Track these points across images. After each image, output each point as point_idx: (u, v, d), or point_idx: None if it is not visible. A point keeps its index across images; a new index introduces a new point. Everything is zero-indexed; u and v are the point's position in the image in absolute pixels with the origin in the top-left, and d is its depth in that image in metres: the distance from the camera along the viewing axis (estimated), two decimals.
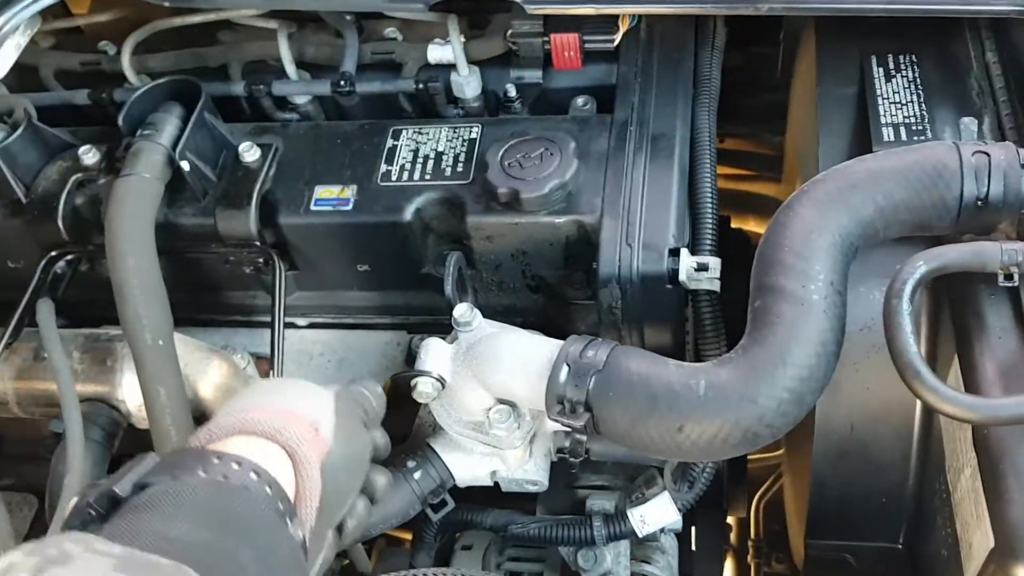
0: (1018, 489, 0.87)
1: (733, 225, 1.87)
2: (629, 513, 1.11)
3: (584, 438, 1.02)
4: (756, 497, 2.04)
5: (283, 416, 0.77)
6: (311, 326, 1.32)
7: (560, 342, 1.00)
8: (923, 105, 1.14)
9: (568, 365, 0.97)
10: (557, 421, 0.95)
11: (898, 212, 0.98)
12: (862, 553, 1.21)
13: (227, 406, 0.82)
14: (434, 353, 1.05)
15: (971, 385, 0.97)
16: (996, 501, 0.89)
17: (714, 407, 0.91)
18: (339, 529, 0.85)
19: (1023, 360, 0.95)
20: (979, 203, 0.96)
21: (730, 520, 2.07)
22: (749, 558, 2.01)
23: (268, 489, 0.70)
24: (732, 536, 2.09)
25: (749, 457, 1.99)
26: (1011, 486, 0.88)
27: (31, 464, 1.36)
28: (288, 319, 1.30)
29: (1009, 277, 0.90)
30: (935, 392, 0.85)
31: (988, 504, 0.90)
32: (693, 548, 1.34)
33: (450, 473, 1.08)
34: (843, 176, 1.00)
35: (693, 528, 1.36)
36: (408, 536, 1.37)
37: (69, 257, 1.25)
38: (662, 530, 1.17)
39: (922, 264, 0.90)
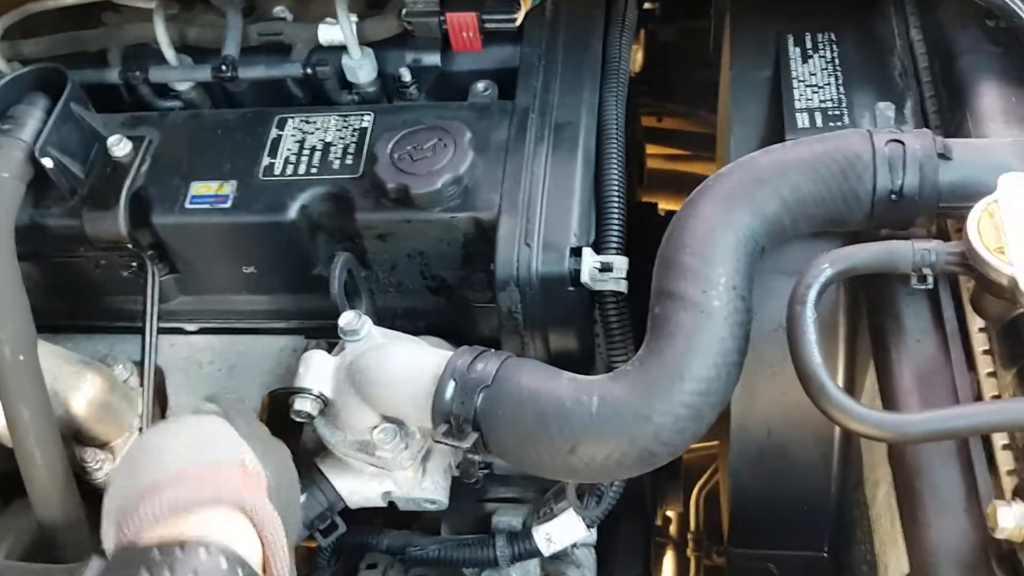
0: (935, 511, 0.81)
1: (671, 207, 1.79)
2: (534, 531, 1.04)
3: (477, 458, 0.95)
4: (696, 488, 1.99)
5: (205, 474, 0.70)
6: (201, 331, 1.23)
7: (449, 354, 0.92)
8: (841, 88, 1.07)
9: (455, 380, 0.89)
10: (442, 442, 0.87)
11: (807, 207, 0.91)
12: (786, 562, 1.15)
13: (126, 474, 0.74)
14: (315, 368, 0.96)
15: (888, 393, 0.90)
16: (912, 523, 0.83)
17: (607, 426, 0.83)
18: None
19: (942, 367, 0.88)
20: (893, 196, 0.89)
21: (670, 513, 2.02)
22: (688, 551, 1.96)
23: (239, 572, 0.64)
24: (672, 529, 2.04)
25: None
26: (928, 507, 0.82)
27: None
28: (176, 324, 1.22)
29: (923, 279, 0.84)
30: (841, 408, 0.78)
31: (903, 526, 0.84)
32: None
33: (339, 496, 1.00)
34: (748, 169, 0.93)
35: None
36: None
37: None
38: (574, 545, 1.10)
39: (827, 267, 0.83)
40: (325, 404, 0.95)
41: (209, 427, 0.78)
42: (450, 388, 0.89)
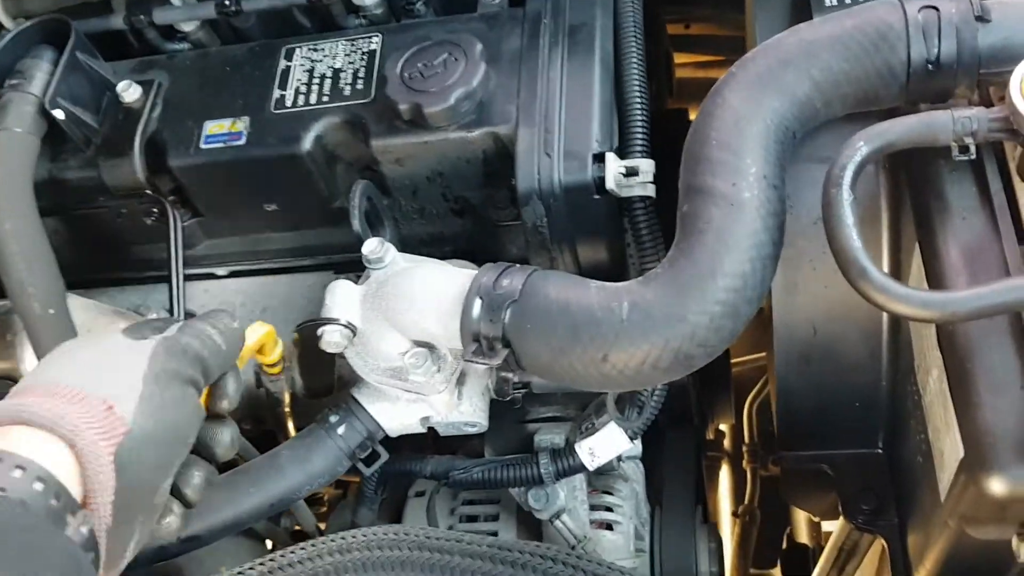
0: (988, 391, 0.77)
1: None
2: (577, 447, 1.02)
3: (510, 375, 0.93)
4: (748, 401, 1.95)
5: (68, 399, 0.69)
6: (232, 275, 1.22)
7: (475, 272, 0.90)
8: None
9: (481, 298, 0.87)
10: (473, 361, 0.85)
11: (839, 86, 0.86)
12: (840, 462, 1.12)
13: (22, 380, 0.75)
14: (341, 297, 0.95)
15: (934, 275, 0.86)
16: (964, 406, 0.79)
17: (640, 331, 0.81)
18: (180, 498, 0.79)
19: (991, 243, 0.83)
20: (930, 66, 0.83)
21: (723, 428, 2.00)
22: (744, 463, 1.94)
23: (40, 485, 0.63)
24: (726, 443, 2.02)
25: (734, 359, 1.91)
26: (980, 388, 0.78)
27: None
28: (204, 269, 1.21)
29: (964, 149, 0.79)
30: (884, 291, 0.74)
31: (956, 409, 0.80)
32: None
33: (377, 424, 0.99)
34: (774, 52, 0.87)
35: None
36: None
37: None
38: (619, 458, 1.08)
39: (863, 145, 0.78)
40: (354, 333, 0.93)
41: (113, 358, 0.75)
42: (477, 306, 0.86)
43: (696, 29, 1.99)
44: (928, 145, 0.79)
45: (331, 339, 0.93)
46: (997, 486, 0.75)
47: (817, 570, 1.38)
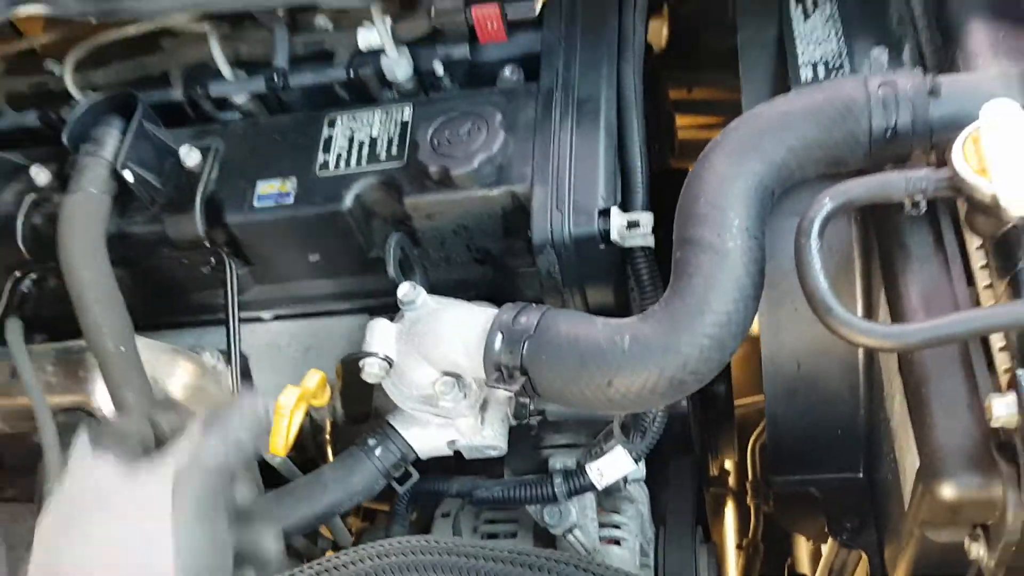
0: (940, 412, 0.90)
1: None
2: (587, 468, 1.15)
3: (526, 401, 1.05)
4: (751, 439, 2.06)
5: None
6: (276, 318, 1.36)
7: (496, 311, 1.03)
8: (842, 40, 1.15)
9: (502, 333, 1.00)
10: (496, 387, 0.98)
11: (811, 151, 1.00)
12: (825, 485, 1.23)
13: (39, 557, 0.72)
14: (379, 334, 1.08)
15: (896, 313, 0.99)
16: (920, 425, 0.91)
17: (639, 360, 0.93)
18: None
19: (944, 284, 0.96)
20: (888, 135, 0.97)
21: (728, 466, 2.11)
22: (748, 499, 2.04)
23: None
24: (731, 480, 2.12)
25: (738, 402, 2.02)
26: (933, 410, 0.90)
27: (30, 476, 1.41)
28: (253, 313, 1.35)
29: (916, 205, 0.92)
30: (847, 325, 0.87)
31: (914, 429, 0.92)
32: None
33: (410, 447, 1.12)
34: (754, 122, 1.02)
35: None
36: None
37: (33, 276, 1.29)
38: (626, 480, 1.20)
39: (828, 201, 0.92)
40: (391, 365, 1.07)
41: (138, 524, 0.69)
42: (498, 340, 1.00)
43: (698, 94, 2.15)
44: (885, 202, 0.93)
45: (371, 370, 1.06)
46: (948, 491, 0.87)
47: None
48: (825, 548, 1.44)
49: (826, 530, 1.25)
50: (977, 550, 0.91)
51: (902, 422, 0.97)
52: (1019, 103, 0.89)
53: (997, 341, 0.89)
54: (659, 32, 2.00)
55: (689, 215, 0.98)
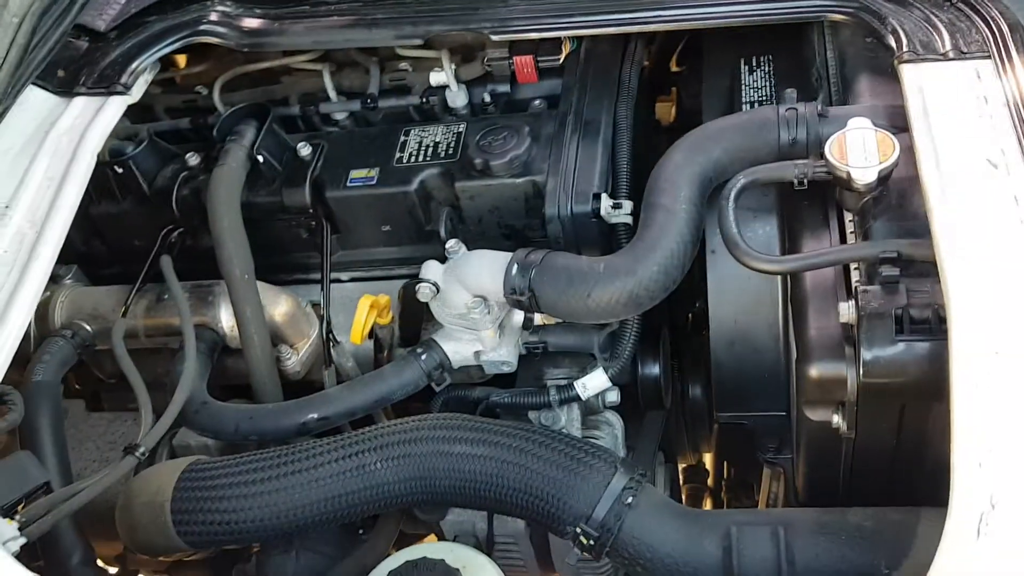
0: (812, 318, 1.31)
1: None
2: (575, 383, 1.56)
3: (532, 316, 1.48)
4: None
5: None
6: (352, 280, 1.81)
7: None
8: (773, 89, 1.61)
9: (517, 264, 1.43)
10: (508, 300, 1.42)
11: (739, 153, 1.44)
12: (758, 420, 1.62)
13: None
14: (431, 268, 1.52)
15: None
16: (799, 330, 1.33)
17: (609, 280, 1.36)
18: None
19: (824, 243, 1.39)
20: (791, 143, 1.42)
21: (707, 465, 2.48)
22: (723, 494, 2.40)
23: None
24: (709, 480, 2.48)
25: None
26: (808, 317, 1.32)
27: (150, 391, 1.82)
28: (334, 275, 1.79)
29: (801, 183, 1.35)
30: (747, 255, 1.30)
31: (794, 333, 1.33)
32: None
33: (445, 355, 1.54)
34: (703, 131, 1.47)
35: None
36: None
37: (180, 231, 1.76)
38: (604, 404, 1.61)
39: (742, 178, 1.36)
40: (438, 290, 1.50)
41: None
42: (515, 268, 1.43)
43: None
44: (781, 180, 1.36)
45: (424, 292, 1.49)
46: (813, 371, 1.28)
47: None
48: (762, 487, 1.81)
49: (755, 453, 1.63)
50: (837, 420, 1.30)
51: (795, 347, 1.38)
52: (874, 122, 1.33)
53: (855, 274, 1.31)
54: (668, 111, 2.49)
55: (653, 188, 1.42)
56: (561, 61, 1.75)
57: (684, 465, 2.36)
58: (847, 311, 1.24)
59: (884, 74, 1.48)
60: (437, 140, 1.71)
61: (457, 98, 1.79)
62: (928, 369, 1.19)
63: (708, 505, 2.47)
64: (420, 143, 1.71)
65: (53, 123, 1.58)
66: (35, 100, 1.62)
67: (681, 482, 2.35)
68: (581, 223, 1.56)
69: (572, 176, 1.58)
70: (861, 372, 1.22)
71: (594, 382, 1.55)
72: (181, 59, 2.07)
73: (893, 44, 1.43)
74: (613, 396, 1.62)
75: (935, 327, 1.19)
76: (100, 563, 1.96)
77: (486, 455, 1.34)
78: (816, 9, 1.52)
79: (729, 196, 1.35)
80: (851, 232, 1.38)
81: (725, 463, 2.43)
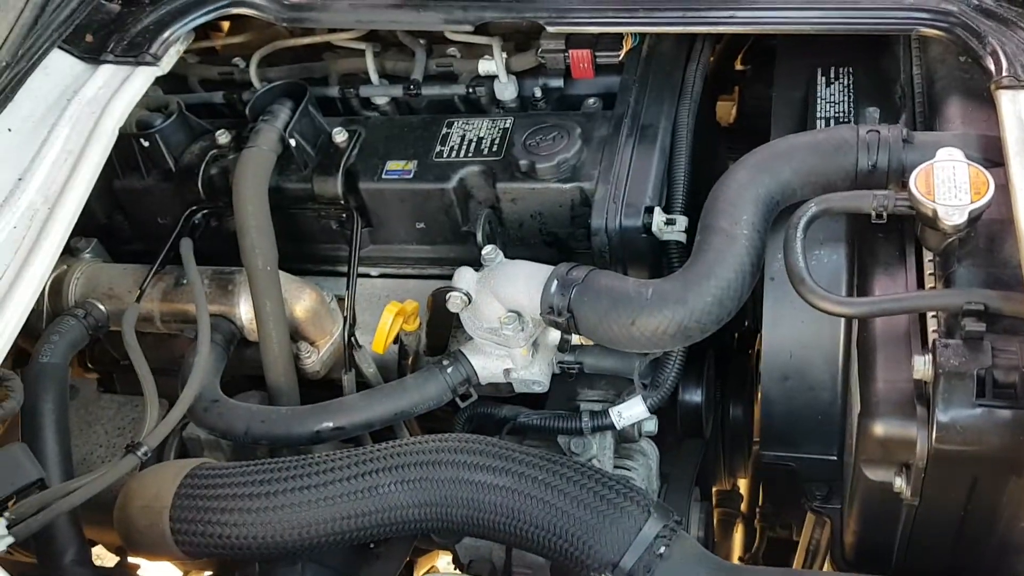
0: (880, 370, 1.18)
1: None
2: (610, 410, 1.44)
3: (570, 337, 1.36)
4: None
5: None
6: (381, 276, 1.70)
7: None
8: (852, 104, 1.47)
9: (557, 280, 1.32)
10: (545, 319, 1.30)
11: (810, 176, 1.31)
12: (804, 462, 1.50)
13: None
14: (464, 276, 1.41)
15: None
16: (864, 380, 1.20)
17: (657, 307, 1.24)
18: None
19: (900, 284, 1.26)
20: (870, 168, 1.28)
21: (742, 490, 2.35)
22: (756, 522, 2.28)
23: None
24: (743, 506, 2.36)
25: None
26: (875, 368, 1.19)
27: (163, 376, 1.75)
28: (363, 269, 1.69)
29: (880, 216, 1.21)
30: (813, 292, 1.17)
31: (860, 384, 1.21)
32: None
33: (474, 371, 1.43)
34: (770, 149, 1.34)
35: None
36: None
37: (204, 212, 1.66)
38: (640, 434, 1.49)
39: (813, 206, 1.22)
40: (469, 300, 1.39)
41: None
42: (554, 285, 1.31)
43: None
44: (856, 211, 1.23)
45: (454, 302, 1.38)
46: (878, 429, 1.15)
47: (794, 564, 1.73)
48: (803, 532, 1.69)
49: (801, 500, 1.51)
50: (900, 483, 1.18)
51: (856, 392, 1.25)
52: (966, 154, 1.19)
53: (932, 322, 1.17)
54: (728, 111, 2.34)
55: (711, 208, 1.29)
56: (621, 57, 1.61)
57: (717, 488, 2.24)
58: (922, 366, 1.10)
59: (979, 99, 1.33)
60: (481, 135, 1.59)
61: (506, 90, 1.67)
62: (1009, 440, 1.06)
63: (740, 532, 2.35)
64: (463, 137, 1.60)
65: (76, 91, 1.50)
66: (60, 65, 1.52)
67: (713, 504, 2.24)
68: (630, 238, 1.43)
69: (624, 185, 1.46)
70: (933, 436, 1.09)
71: (631, 411, 1.44)
72: (223, 27, 1.97)
73: (992, 66, 1.28)
74: (651, 426, 1.50)
75: (1021, 393, 1.06)
76: (105, 550, 1.91)
77: (509, 487, 1.22)
78: (906, 21, 1.37)
79: (798, 226, 1.21)
80: (930, 274, 1.24)
81: (760, 491, 2.31)
